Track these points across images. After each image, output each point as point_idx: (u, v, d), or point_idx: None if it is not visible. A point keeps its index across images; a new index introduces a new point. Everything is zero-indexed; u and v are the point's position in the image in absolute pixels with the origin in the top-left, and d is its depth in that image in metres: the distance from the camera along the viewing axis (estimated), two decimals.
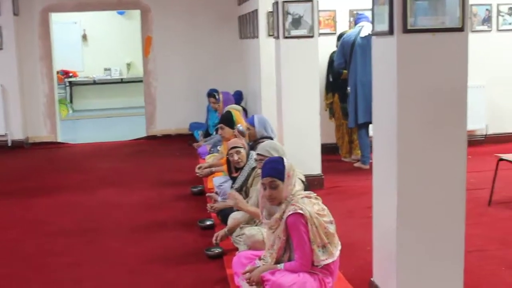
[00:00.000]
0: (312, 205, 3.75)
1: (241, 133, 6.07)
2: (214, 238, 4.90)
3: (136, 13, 11.57)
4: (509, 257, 4.81)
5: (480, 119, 9.00)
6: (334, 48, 8.20)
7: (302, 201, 3.72)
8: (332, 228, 3.78)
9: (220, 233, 4.90)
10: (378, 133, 3.96)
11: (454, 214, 3.68)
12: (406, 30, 3.53)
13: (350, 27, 8.32)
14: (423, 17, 3.56)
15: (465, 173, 3.68)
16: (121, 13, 14.55)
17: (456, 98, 3.63)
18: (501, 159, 6.03)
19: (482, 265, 4.61)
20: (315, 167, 6.76)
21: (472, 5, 8.88)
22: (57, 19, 11.86)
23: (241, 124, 6.26)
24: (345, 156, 8.22)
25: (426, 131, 3.60)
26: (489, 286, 4.32)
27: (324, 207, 3.85)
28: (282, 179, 3.73)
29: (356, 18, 7.95)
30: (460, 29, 3.59)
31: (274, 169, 3.76)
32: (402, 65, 3.54)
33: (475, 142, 8.91)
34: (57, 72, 12.01)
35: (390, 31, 3.60)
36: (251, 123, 6.09)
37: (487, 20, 9.05)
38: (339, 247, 3.84)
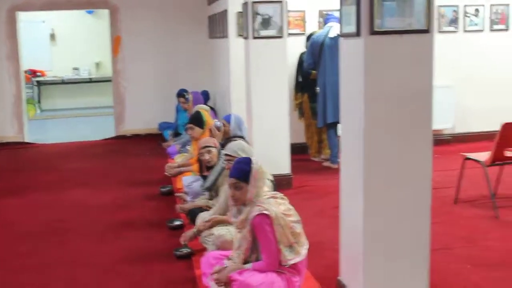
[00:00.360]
0: (278, 205, 3.77)
1: (218, 129, 6.11)
2: (182, 239, 4.89)
3: (105, 12, 11.48)
4: (474, 255, 4.88)
5: (448, 118, 9.11)
6: (304, 49, 8.24)
7: (268, 202, 3.74)
8: (298, 228, 3.80)
9: (188, 233, 4.90)
10: (345, 133, 3.99)
11: (419, 213, 3.73)
12: (373, 32, 3.56)
13: (319, 28, 8.36)
14: (390, 18, 3.60)
15: (430, 172, 3.74)
16: (90, 12, 14.43)
17: (422, 98, 3.68)
18: (467, 158, 6.12)
19: (448, 263, 4.67)
20: (284, 167, 6.79)
21: (439, 6, 9.00)
22: (24, 18, 11.71)
23: (218, 121, 6.30)
24: (314, 156, 8.27)
25: (393, 131, 3.65)
26: (454, 283, 4.38)
27: (291, 207, 3.88)
28: (246, 181, 3.74)
29: (325, 18, 7.99)
30: (426, 31, 3.64)
31: (239, 170, 3.78)
32: (369, 66, 3.58)
33: (443, 141, 9.02)
34: (25, 72, 11.86)
35: (357, 33, 3.63)
36: (227, 121, 6.13)
37: (454, 21, 9.18)
38: (306, 246, 3.87)
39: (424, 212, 3.74)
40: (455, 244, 5.10)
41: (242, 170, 3.77)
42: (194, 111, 6.95)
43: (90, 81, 14.77)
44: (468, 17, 9.24)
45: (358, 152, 3.69)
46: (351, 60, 3.80)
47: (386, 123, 3.63)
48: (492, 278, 4.48)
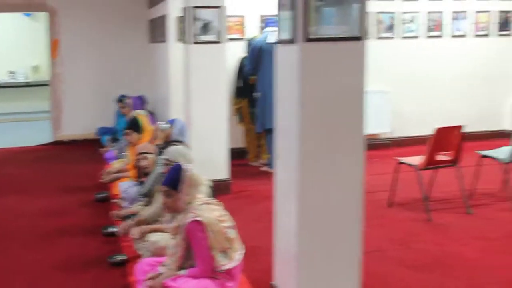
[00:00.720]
0: (211, 211, 3.77)
1: (163, 130, 6.08)
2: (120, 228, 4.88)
3: (44, 15, 11.26)
4: (407, 257, 4.99)
5: (386, 123, 9.28)
6: (244, 54, 8.27)
7: (201, 208, 3.74)
8: (232, 233, 3.82)
9: (127, 223, 4.88)
10: (280, 138, 4.02)
11: (351, 216, 3.78)
12: (308, 39, 3.60)
13: (261, 33, 8.41)
14: (325, 26, 3.65)
15: (362, 176, 3.79)
16: (27, 15, 14.12)
17: (354, 104, 3.74)
18: (401, 163, 6.25)
19: (381, 265, 4.76)
20: (223, 172, 6.79)
21: (378, 12, 9.18)
22: None
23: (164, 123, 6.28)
24: (253, 161, 8.30)
25: (326, 136, 3.69)
26: (386, 285, 4.47)
27: (225, 212, 3.88)
28: (176, 189, 3.74)
29: (265, 23, 8.05)
30: (359, 38, 3.70)
31: (170, 178, 3.79)
32: (304, 73, 3.61)
33: (381, 145, 9.20)
34: None
35: (293, 40, 3.67)
36: (171, 124, 6.11)
37: (391, 27, 9.36)
38: (241, 251, 3.88)
39: (356, 216, 3.79)
40: (388, 247, 5.20)
41: (173, 178, 3.77)
42: (131, 116, 6.89)
43: (27, 85, 14.42)
44: (405, 23, 9.44)
45: (293, 157, 3.73)
46: (287, 66, 3.83)
47: (320, 128, 3.67)
48: (423, 279, 4.59)
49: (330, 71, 3.65)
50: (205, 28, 6.64)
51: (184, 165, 3.90)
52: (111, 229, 5.56)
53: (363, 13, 3.68)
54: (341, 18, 3.68)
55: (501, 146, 6.75)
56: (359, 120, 3.76)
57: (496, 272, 4.73)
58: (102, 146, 9.15)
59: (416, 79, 9.50)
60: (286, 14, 3.76)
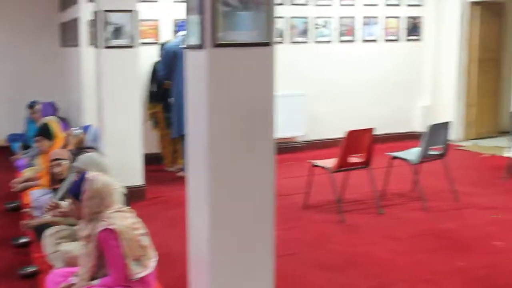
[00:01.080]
0: (124, 219, 3.72)
1: (75, 136, 5.94)
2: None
3: None
4: (320, 258, 5.08)
5: (301, 126, 9.42)
6: (158, 58, 8.20)
7: (113, 216, 3.68)
8: (146, 240, 3.79)
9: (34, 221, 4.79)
10: (191, 144, 4.01)
11: (264, 220, 3.81)
12: (216, 45, 3.60)
13: (174, 37, 8.37)
14: (233, 31, 3.67)
15: (273, 180, 3.83)
16: None
17: (264, 109, 3.76)
18: (315, 165, 6.36)
19: (295, 268, 4.83)
20: (137, 178, 6.71)
21: (291, 17, 9.31)
22: None
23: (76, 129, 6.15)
24: (169, 166, 8.24)
25: (236, 141, 3.70)
26: (300, 287, 4.54)
27: (138, 219, 3.84)
28: (77, 198, 3.68)
29: (177, 27, 8.02)
30: (268, 44, 3.74)
31: (73, 188, 3.74)
32: (212, 79, 3.61)
33: (296, 148, 9.33)
34: None
35: (201, 45, 3.66)
36: (85, 130, 5.99)
37: (305, 32, 9.51)
38: (155, 259, 3.85)
39: (268, 219, 3.82)
40: (302, 249, 5.28)
41: (76, 188, 3.71)
42: (41, 123, 6.71)
43: None
44: (318, 28, 9.62)
45: (204, 163, 3.72)
46: (195, 72, 3.82)
47: (230, 133, 3.68)
48: (335, 279, 4.69)
49: (239, 77, 3.67)
50: (117, 32, 6.55)
51: (91, 174, 3.82)
52: (22, 240, 5.40)
53: (271, 18, 3.71)
54: (250, 23, 3.70)
55: (411, 147, 6.97)
56: (270, 124, 3.79)
57: (405, 271, 4.88)
58: (13, 154, 8.86)
59: (330, 83, 9.70)
60: (194, 18, 3.75)
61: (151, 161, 7.84)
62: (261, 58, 3.73)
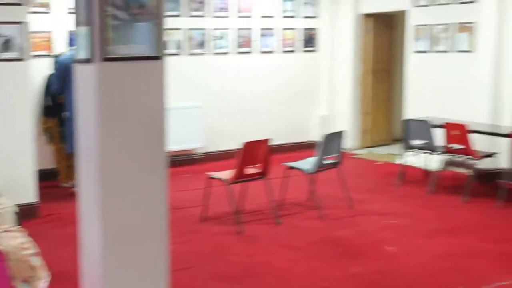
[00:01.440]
0: (13, 239, 3.61)
1: None
2: None
3: None
4: (218, 270, 5.08)
5: (199, 138, 9.40)
6: (51, 71, 7.98)
7: (0, 236, 3.56)
8: (36, 261, 3.68)
9: None
10: (82, 159, 3.93)
11: (157, 235, 3.78)
12: (105, 58, 3.55)
13: (69, 49, 8.16)
14: (122, 45, 3.63)
15: (165, 194, 3.81)
16: None
17: (155, 123, 3.75)
18: (212, 177, 6.37)
19: (192, 281, 4.80)
20: (29, 195, 6.47)
21: (189, 29, 9.31)
22: None
23: None
24: (64, 182, 8.02)
25: (127, 155, 3.66)
26: None
27: (28, 239, 3.73)
28: None
29: (69, 39, 7.85)
30: (158, 57, 3.73)
31: None
32: (102, 93, 3.56)
33: (195, 160, 9.32)
34: None
35: (90, 59, 3.60)
36: None
37: (202, 44, 9.53)
38: (46, 279, 3.75)
39: (162, 234, 3.80)
40: (200, 261, 5.26)
41: None
42: None
43: None
44: (216, 40, 9.66)
45: (94, 178, 3.65)
46: (85, 86, 3.75)
47: (121, 148, 3.64)
48: None
49: (129, 90, 3.64)
50: (7, 44, 6.34)
51: None
52: None
53: (161, 32, 3.71)
54: (140, 37, 3.68)
55: (308, 157, 7.12)
56: (161, 137, 3.78)
57: (302, 279, 4.96)
58: None
59: (228, 94, 9.76)
60: (83, 31, 3.68)
61: (46, 177, 7.60)
62: (152, 71, 3.72)
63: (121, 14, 3.58)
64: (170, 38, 9.09)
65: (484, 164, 7.73)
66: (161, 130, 3.78)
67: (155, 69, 3.73)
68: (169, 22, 8.91)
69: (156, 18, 3.70)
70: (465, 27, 8.60)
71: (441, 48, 8.98)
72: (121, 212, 3.67)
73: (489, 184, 7.76)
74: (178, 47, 9.23)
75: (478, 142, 7.55)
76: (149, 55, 3.70)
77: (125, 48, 3.64)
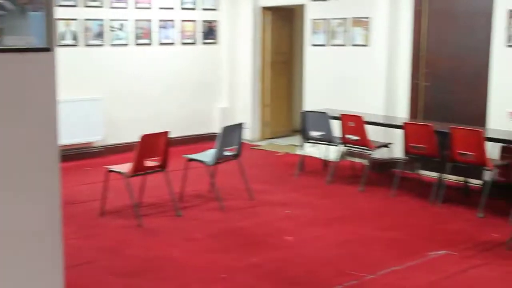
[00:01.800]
0: None
1: None
2: None
3: None
4: (117, 265, 5.01)
5: (98, 131, 9.21)
6: None
7: None
8: None
9: None
10: None
11: (49, 232, 3.68)
12: None
13: None
14: (10, 36, 3.51)
15: (58, 188, 3.71)
16: None
17: (46, 116, 3.64)
18: (111, 171, 6.27)
19: (90, 277, 4.72)
20: None
21: (85, 19, 9.08)
22: None
23: None
24: None
25: (17, 150, 3.55)
26: None
27: None
28: None
29: None
30: (48, 49, 3.62)
31: None
32: None
33: (94, 153, 9.13)
34: None
35: None
36: None
37: (100, 34, 9.33)
38: None
39: (55, 229, 3.70)
40: (98, 257, 5.18)
41: None
42: None
43: None
44: (114, 31, 9.49)
45: None
46: None
47: (10, 143, 3.52)
48: (133, 285, 4.65)
49: (18, 84, 3.51)
50: None
51: None
52: None
53: (50, 23, 3.60)
54: (28, 28, 3.55)
55: (208, 149, 7.13)
56: (53, 131, 3.67)
57: (202, 270, 4.98)
58: None
59: (128, 86, 9.62)
60: None
61: None
62: (41, 64, 3.61)
63: (7, 4, 3.46)
64: (67, 29, 8.85)
65: (379, 154, 8.01)
66: (52, 123, 3.67)
67: (44, 61, 3.61)
68: (64, 12, 8.77)
69: (45, 9, 3.60)
70: (360, 22, 8.85)
71: (337, 41, 9.21)
72: (10, 209, 3.54)
73: (384, 173, 8.05)
74: (75, 38, 9.00)
75: (374, 133, 7.81)
76: (39, 47, 3.59)
77: (13, 39, 3.51)
